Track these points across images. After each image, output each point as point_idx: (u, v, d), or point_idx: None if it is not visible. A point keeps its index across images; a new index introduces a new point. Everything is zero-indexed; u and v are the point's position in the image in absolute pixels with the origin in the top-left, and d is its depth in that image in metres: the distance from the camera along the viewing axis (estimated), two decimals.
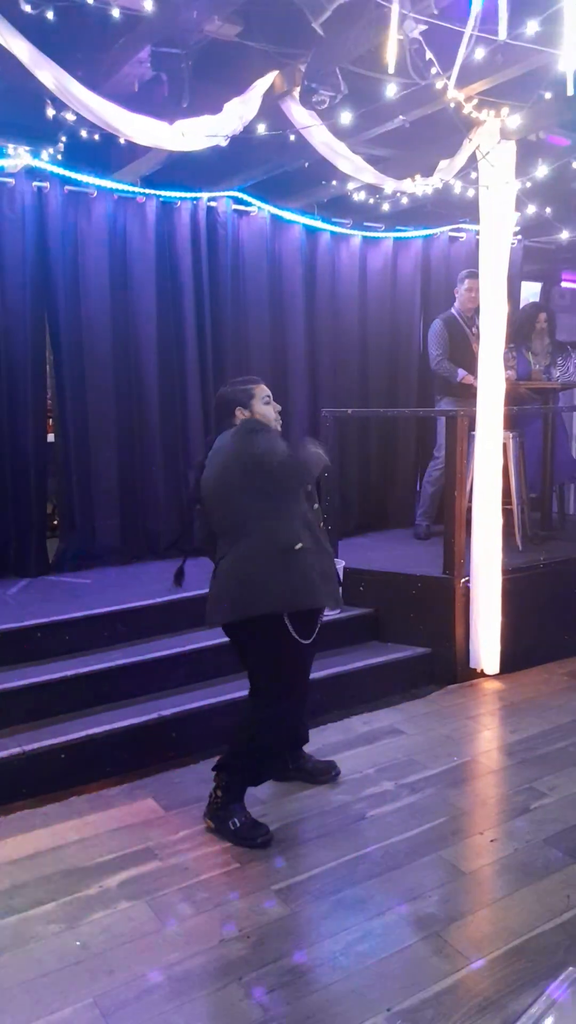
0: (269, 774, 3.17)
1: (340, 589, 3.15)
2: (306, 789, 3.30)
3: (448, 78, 3.61)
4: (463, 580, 4.42)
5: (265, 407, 3.02)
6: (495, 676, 4.43)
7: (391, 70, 3.23)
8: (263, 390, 3.05)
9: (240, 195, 5.56)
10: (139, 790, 3.31)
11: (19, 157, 4.61)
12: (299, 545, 2.85)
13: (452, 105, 3.78)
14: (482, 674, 4.44)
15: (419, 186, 4.49)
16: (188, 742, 3.60)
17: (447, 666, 4.44)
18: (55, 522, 5.53)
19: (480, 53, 3.55)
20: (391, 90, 3.68)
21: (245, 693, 3.88)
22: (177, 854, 2.87)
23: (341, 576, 4.54)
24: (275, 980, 2.26)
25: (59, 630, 4.05)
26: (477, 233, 4.37)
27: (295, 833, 2.99)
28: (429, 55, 3.52)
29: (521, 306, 6.17)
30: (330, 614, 4.55)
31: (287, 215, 5.78)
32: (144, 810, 3.15)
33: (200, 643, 4.08)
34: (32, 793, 3.24)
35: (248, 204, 5.62)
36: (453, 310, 5.68)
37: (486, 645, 4.39)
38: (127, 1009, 2.17)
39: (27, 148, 4.58)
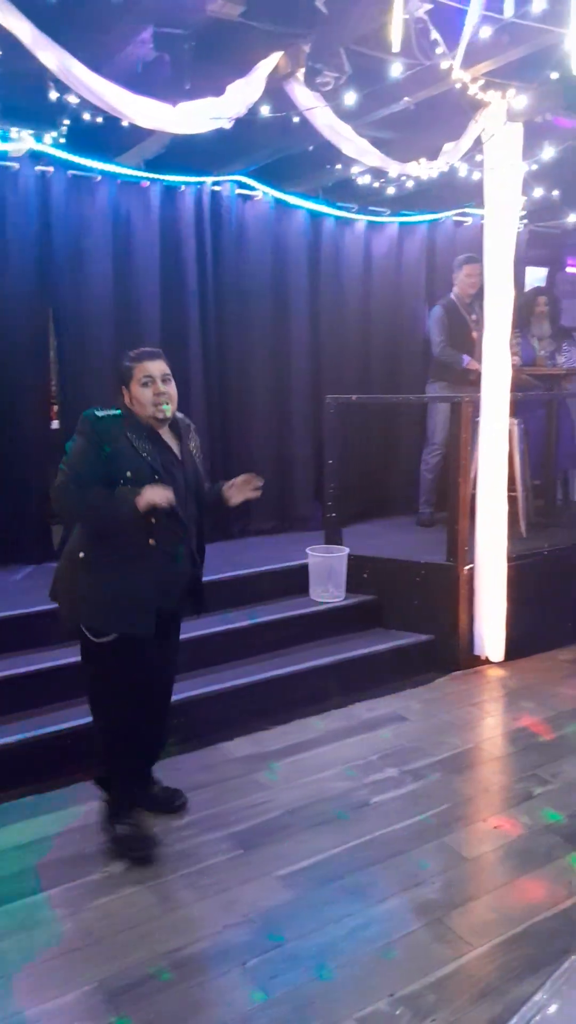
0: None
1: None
2: (311, 775, 3.30)
3: (453, 58, 3.57)
4: (467, 567, 4.40)
5: (143, 390, 2.68)
6: (499, 663, 4.43)
7: (396, 49, 3.18)
8: (144, 369, 2.68)
9: (244, 179, 5.52)
10: None
11: (22, 141, 4.56)
12: (81, 554, 2.69)
13: (458, 86, 3.74)
14: (486, 661, 4.44)
15: (424, 169, 4.44)
16: (191, 728, 3.61)
17: (450, 653, 4.43)
18: None
19: (486, 32, 3.50)
20: (396, 70, 3.63)
21: (250, 680, 3.91)
22: (181, 840, 2.88)
23: (344, 565, 4.55)
24: (278, 966, 2.27)
25: None
26: (482, 217, 4.32)
27: (298, 819, 2.99)
28: (434, 35, 3.48)
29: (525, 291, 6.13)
30: (332, 601, 4.56)
31: (291, 199, 5.73)
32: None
33: (205, 629, 4.08)
34: (37, 779, 3.25)
35: (252, 188, 5.58)
36: (452, 295, 5.65)
37: (490, 632, 4.39)
38: (131, 994, 2.18)
39: (30, 132, 4.54)
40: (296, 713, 3.87)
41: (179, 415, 2.89)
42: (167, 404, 2.70)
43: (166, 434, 2.79)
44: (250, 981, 2.21)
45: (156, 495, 2.53)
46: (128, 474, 2.61)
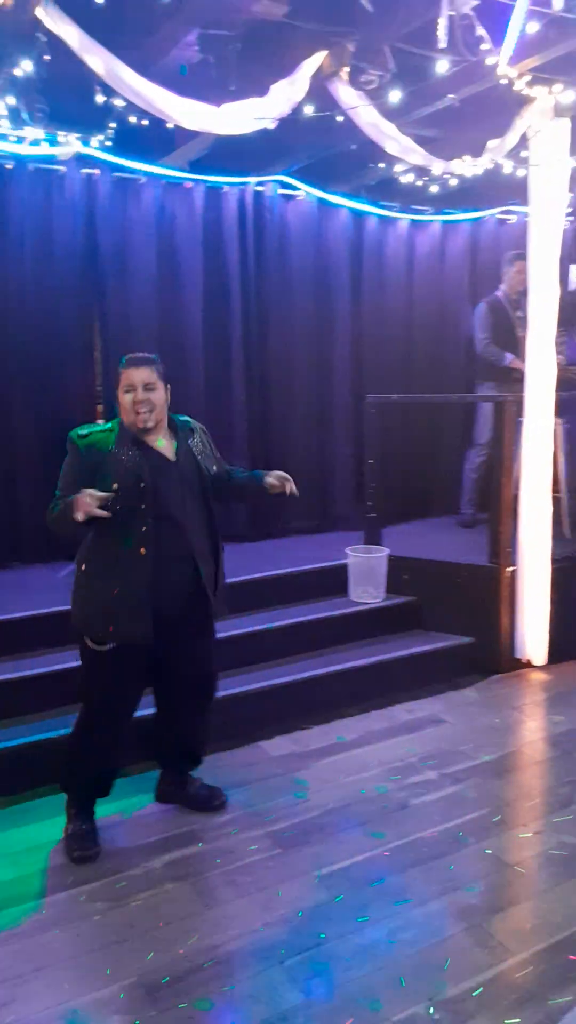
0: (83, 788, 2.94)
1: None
2: (350, 776, 3.30)
3: (499, 54, 3.53)
4: (509, 569, 4.36)
5: (124, 396, 2.71)
6: (541, 667, 4.37)
7: (442, 45, 3.15)
8: (127, 377, 2.70)
9: (287, 179, 5.52)
10: None
11: (69, 144, 4.64)
12: (83, 566, 2.78)
13: (503, 82, 3.70)
14: (528, 664, 4.38)
15: (468, 167, 4.41)
16: (231, 725, 3.63)
17: (492, 656, 4.39)
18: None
19: (533, 27, 3.46)
20: (442, 67, 3.60)
21: (289, 679, 3.91)
22: (221, 837, 2.90)
23: (385, 566, 4.53)
24: (315, 965, 2.27)
25: None
26: (527, 215, 4.27)
27: (337, 820, 2.99)
28: (480, 31, 3.45)
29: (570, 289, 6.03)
30: (371, 602, 4.55)
31: (334, 199, 5.72)
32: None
33: (244, 628, 4.11)
34: None
35: (295, 188, 5.58)
36: (499, 293, 5.58)
37: (532, 635, 4.33)
38: (171, 988, 2.20)
39: (77, 135, 4.61)
40: (335, 713, 3.87)
41: (183, 418, 2.94)
42: (148, 411, 2.70)
43: (161, 437, 2.79)
44: (288, 980, 2.22)
45: (81, 505, 2.53)
46: (115, 485, 2.64)
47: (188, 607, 2.81)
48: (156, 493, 2.70)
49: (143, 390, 2.70)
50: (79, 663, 2.91)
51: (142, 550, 2.67)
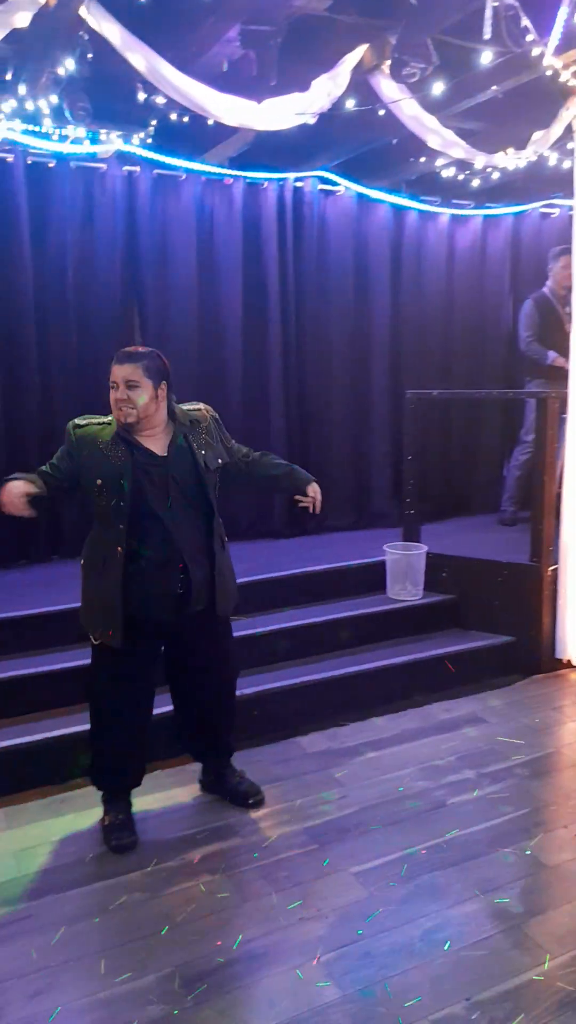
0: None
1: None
2: (386, 774, 3.28)
3: (545, 45, 3.47)
4: (551, 568, 4.29)
5: (110, 392, 2.70)
6: None
7: (486, 37, 3.11)
8: (112, 373, 2.68)
9: (326, 174, 5.51)
10: None
11: (111, 142, 4.68)
12: (82, 561, 2.78)
13: (548, 73, 3.64)
14: (568, 664, 4.31)
15: (512, 159, 4.35)
16: (267, 721, 3.64)
17: (532, 655, 4.33)
18: None
19: None
20: (485, 59, 3.55)
21: (325, 675, 3.90)
22: (257, 832, 2.90)
23: (423, 563, 4.50)
24: (351, 962, 2.26)
25: None
26: (571, 209, 4.20)
27: (374, 817, 2.98)
28: (525, 21, 3.39)
29: None
30: (409, 600, 4.52)
31: (374, 194, 5.69)
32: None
33: (281, 624, 4.11)
34: None
35: (334, 184, 5.56)
36: (546, 289, 5.49)
37: (573, 635, 4.26)
38: (206, 980, 2.21)
39: (118, 133, 4.65)
40: (372, 711, 3.85)
41: (192, 407, 2.86)
42: (130, 408, 2.65)
43: (153, 433, 2.72)
44: (324, 976, 2.22)
45: (4, 500, 2.61)
46: (98, 482, 2.66)
47: (182, 608, 2.74)
48: (136, 491, 2.65)
49: (124, 387, 2.65)
50: None
51: (119, 549, 2.66)
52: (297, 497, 3.01)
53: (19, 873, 2.70)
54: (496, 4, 3.31)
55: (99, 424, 2.77)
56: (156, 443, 2.73)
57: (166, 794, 3.14)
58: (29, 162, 4.67)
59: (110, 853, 2.78)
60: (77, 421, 2.79)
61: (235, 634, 4.01)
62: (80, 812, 3.03)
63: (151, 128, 4.56)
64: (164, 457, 2.72)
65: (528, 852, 2.76)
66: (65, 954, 2.32)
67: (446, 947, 2.31)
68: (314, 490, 2.98)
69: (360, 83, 3.87)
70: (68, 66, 3.52)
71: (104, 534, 2.71)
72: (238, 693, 3.65)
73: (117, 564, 2.66)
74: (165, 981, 2.21)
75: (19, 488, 2.64)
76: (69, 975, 2.24)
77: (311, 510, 2.98)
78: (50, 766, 3.26)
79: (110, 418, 2.76)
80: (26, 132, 4.37)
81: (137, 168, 4.93)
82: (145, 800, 3.08)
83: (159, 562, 2.68)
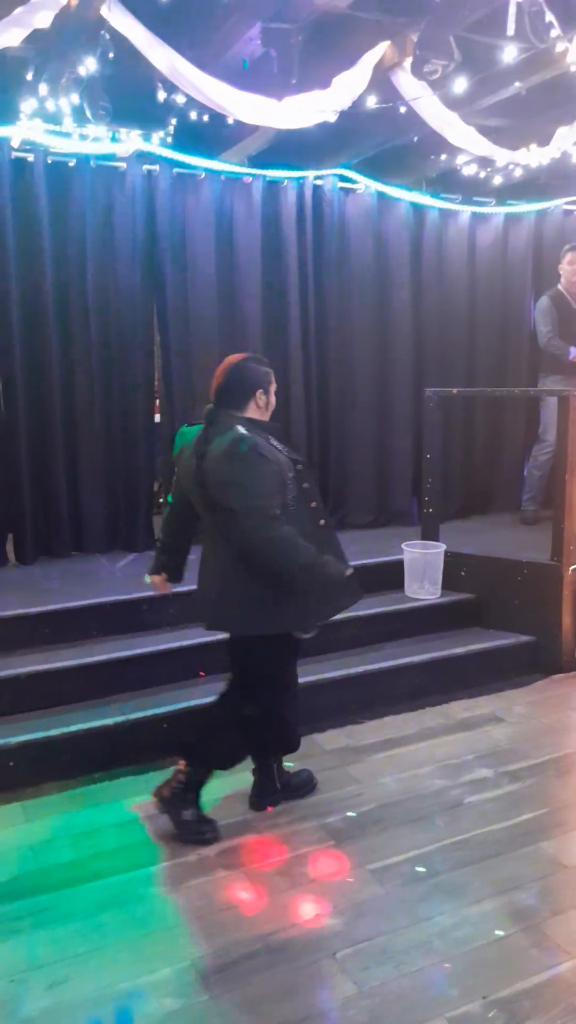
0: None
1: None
2: (404, 771, 3.27)
3: (570, 40, 3.45)
4: (572, 567, 4.26)
5: (273, 397, 2.81)
6: None
7: (510, 33, 3.09)
8: (273, 378, 2.83)
9: (346, 172, 5.50)
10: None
11: (130, 142, 4.70)
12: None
13: (573, 68, 3.61)
14: None
15: (535, 156, 4.33)
16: None
17: (552, 655, 4.30)
18: (160, 500, 5.66)
19: None
20: (508, 55, 3.54)
21: (343, 673, 3.89)
22: (275, 828, 2.91)
23: (441, 562, 4.48)
24: (369, 958, 2.26)
25: (165, 603, 4.14)
26: None
27: (392, 814, 2.97)
28: (549, 16, 3.37)
29: None
30: (427, 599, 4.50)
31: (394, 192, 5.67)
32: (243, 782, 3.18)
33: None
34: (135, 760, 3.34)
35: (354, 181, 5.55)
36: (560, 286, 5.47)
37: None
38: (223, 974, 2.21)
39: (139, 132, 4.67)
40: (390, 709, 3.84)
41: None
42: None
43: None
44: (341, 972, 2.21)
45: None
46: (304, 485, 2.76)
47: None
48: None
49: None
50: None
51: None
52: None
53: (37, 866, 2.72)
54: (520, 0, 3.29)
55: None
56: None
57: None
58: (49, 162, 4.70)
59: (126, 849, 2.79)
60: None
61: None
62: (98, 806, 3.05)
63: (171, 127, 4.57)
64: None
65: (547, 852, 2.74)
66: (83, 946, 2.33)
67: (464, 945, 2.30)
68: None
69: (381, 80, 3.87)
70: (89, 66, 3.54)
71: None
72: None
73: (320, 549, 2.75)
74: (181, 974, 2.22)
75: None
76: (86, 967, 2.25)
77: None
78: (68, 760, 3.28)
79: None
80: (47, 132, 4.40)
81: (157, 167, 4.95)
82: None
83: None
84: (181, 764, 2.88)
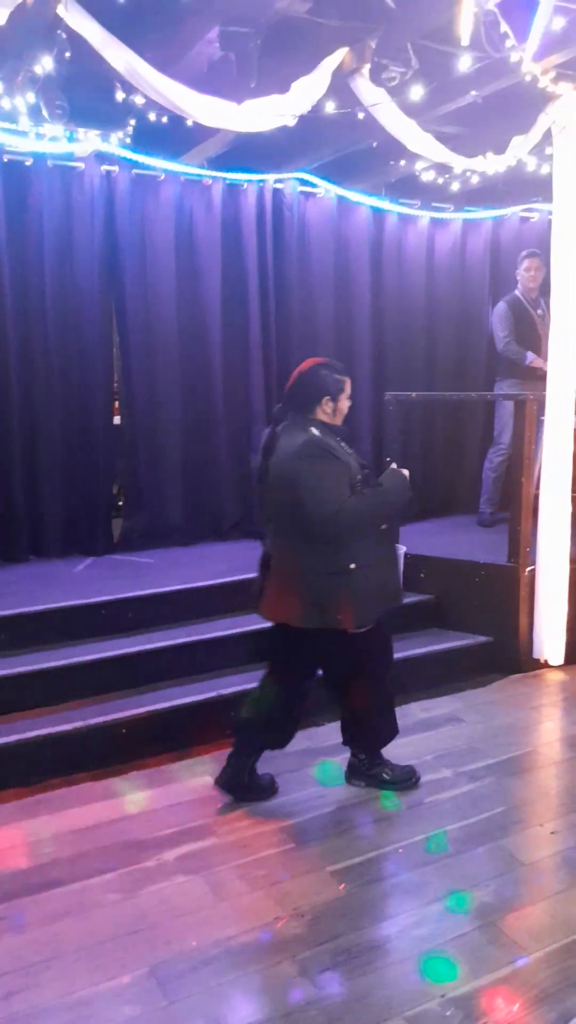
0: None
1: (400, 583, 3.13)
2: None
3: (524, 50, 3.51)
4: (528, 568, 4.32)
5: (345, 404, 2.94)
6: (558, 667, 4.33)
7: (465, 42, 3.14)
8: (349, 385, 2.94)
9: (307, 176, 5.52)
10: (198, 766, 3.35)
11: (88, 142, 4.67)
12: (352, 565, 2.81)
13: (528, 78, 3.68)
14: (545, 664, 4.35)
15: (491, 164, 4.38)
16: None
17: (510, 655, 4.36)
18: (120, 503, 5.63)
19: (559, 23, 3.44)
20: (464, 64, 3.59)
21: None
22: (234, 831, 2.90)
23: (402, 563, 4.52)
24: (329, 960, 2.26)
25: (123, 607, 4.12)
26: (550, 213, 4.24)
27: (352, 816, 2.98)
28: (504, 27, 3.42)
29: None
30: None
31: (354, 196, 5.72)
32: (202, 787, 3.19)
33: (256, 624, 4.09)
34: (94, 766, 3.32)
35: (314, 186, 5.58)
36: (517, 292, 5.56)
37: (550, 635, 4.30)
38: (183, 979, 2.20)
39: (97, 132, 4.64)
40: None
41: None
42: None
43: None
44: (300, 973, 2.22)
45: None
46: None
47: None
48: None
49: None
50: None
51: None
52: None
53: None
54: (476, 10, 3.34)
55: None
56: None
57: (142, 794, 3.13)
58: (5, 160, 4.64)
59: (84, 855, 2.76)
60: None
61: (224, 632, 4.07)
62: (55, 813, 3.01)
63: (130, 128, 4.55)
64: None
65: (504, 850, 2.78)
66: (40, 955, 2.30)
67: (422, 944, 2.32)
68: None
69: (340, 86, 3.89)
70: (45, 64, 3.50)
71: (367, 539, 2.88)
72: (215, 693, 3.66)
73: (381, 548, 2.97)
74: (141, 981, 2.20)
75: None
76: (44, 976, 2.22)
77: None
78: (25, 767, 3.24)
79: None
80: (3, 130, 4.34)
81: (116, 168, 4.92)
82: (121, 801, 3.07)
83: None
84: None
